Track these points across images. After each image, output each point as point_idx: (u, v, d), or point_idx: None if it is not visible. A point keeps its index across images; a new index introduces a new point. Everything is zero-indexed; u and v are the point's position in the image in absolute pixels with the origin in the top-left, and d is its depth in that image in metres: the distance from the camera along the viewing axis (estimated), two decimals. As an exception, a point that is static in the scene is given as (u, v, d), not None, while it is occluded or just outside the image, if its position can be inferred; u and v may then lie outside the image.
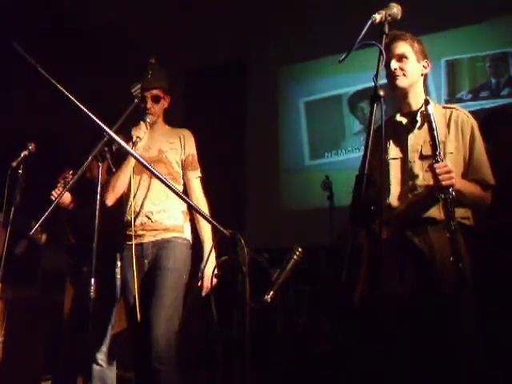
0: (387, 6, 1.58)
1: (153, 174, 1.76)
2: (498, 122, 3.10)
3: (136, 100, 2.27)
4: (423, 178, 1.94)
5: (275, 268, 1.61)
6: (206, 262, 2.35)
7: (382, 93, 1.50)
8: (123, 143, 1.51)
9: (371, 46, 1.53)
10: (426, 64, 2.06)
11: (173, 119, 2.68)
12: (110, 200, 2.42)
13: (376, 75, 1.52)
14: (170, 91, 2.58)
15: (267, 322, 3.67)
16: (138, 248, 2.38)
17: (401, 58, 2.03)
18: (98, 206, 1.90)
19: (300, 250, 1.74)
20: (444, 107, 2.07)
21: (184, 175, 2.53)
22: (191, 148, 2.56)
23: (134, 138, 2.33)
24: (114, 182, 2.41)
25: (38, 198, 2.36)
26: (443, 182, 1.78)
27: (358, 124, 4.62)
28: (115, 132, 1.70)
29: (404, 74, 2.02)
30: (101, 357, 2.88)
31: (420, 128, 2.01)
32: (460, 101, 4.10)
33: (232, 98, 5.16)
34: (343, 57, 1.87)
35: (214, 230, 2.13)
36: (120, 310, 3.06)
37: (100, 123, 1.39)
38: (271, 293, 1.61)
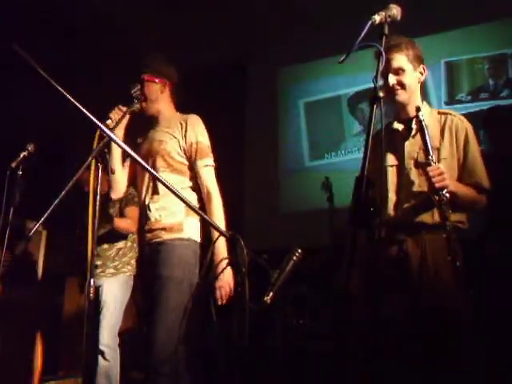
0: (387, 7, 1.58)
1: (147, 170, 1.73)
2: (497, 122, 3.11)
3: (136, 101, 2.24)
4: (419, 185, 1.97)
5: (275, 269, 1.61)
6: (219, 265, 2.07)
7: (381, 94, 1.50)
8: (122, 143, 1.51)
9: (371, 47, 1.54)
10: (422, 70, 2.08)
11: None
12: (113, 194, 2.40)
13: (376, 76, 1.53)
14: (168, 76, 2.40)
15: (267, 322, 3.67)
16: (144, 249, 2.29)
17: (397, 71, 2.03)
18: (96, 214, 1.89)
19: (299, 251, 1.74)
20: (439, 113, 2.10)
21: (192, 166, 2.32)
22: (195, 135, 2.31)
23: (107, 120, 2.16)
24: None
25: (37, 199, 2.35)
26: (437, 184, 1.81)
27: (358, 125, 4.62)
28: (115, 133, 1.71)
29: (403, 88, 2.04)
30: (109, 352, 2.89)
31: (416, 135, 2.03)
32: (459, 102, 4.10)
33: (232, 99, 5.16)
34: (343, 58, 1.87)
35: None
36: (127, 309, 3.08)
37: (99, 124, 1.39)
38: (271, 294, 1.61)
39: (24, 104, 4.02)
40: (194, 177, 2.32)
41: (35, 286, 3.54)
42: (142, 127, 2.43)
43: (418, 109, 1.94)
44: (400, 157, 2.04)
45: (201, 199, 2.32)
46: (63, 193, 2.04)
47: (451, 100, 4.15)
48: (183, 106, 2.45)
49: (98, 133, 2.00)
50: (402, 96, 2.04)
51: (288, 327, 3.75)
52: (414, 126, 2.04)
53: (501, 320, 2.57)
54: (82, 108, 1.37)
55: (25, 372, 3.34)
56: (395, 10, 1.58)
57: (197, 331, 2.31)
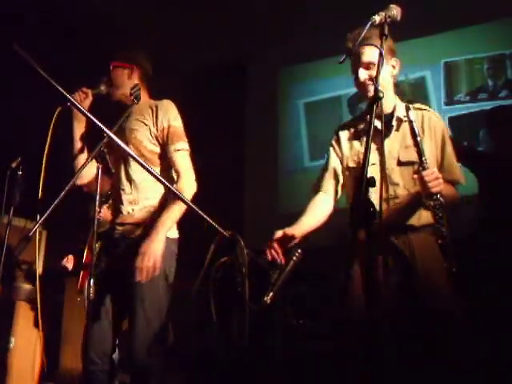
0: (387, 7, 1.59)
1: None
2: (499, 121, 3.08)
3: (135, 101, 2.24)
4: (404, 187, 1.92)
5: (275, 269, 1.61)
6: (151, 235, 2.03)
7: (381, 94, 1.50)
8: (122, 143, 1.51)
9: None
10: (394, 63, 2.00)
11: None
12: (79, 180, 2.26)
13: (376, 77, 1.53)
14: (137, 62, 2.37)
15: (267, 322, 3.67)
16: (110, 243, 2.20)
17: (368, 65, 1.96)
18: (96, 214, 1.90)
19: (299, 251, 1.74)
20: (415, 108, 2.02)
21: (166, 152, 2.21)
22: (167, 119, 2.22)
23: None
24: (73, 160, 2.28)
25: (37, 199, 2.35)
26: (433, 189, 1.75)
27: (358, 125, 4.62)
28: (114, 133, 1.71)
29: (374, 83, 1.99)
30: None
31: (397, 132, 1.98)
32: (458, 102, 4.10)
33: (232, 99, 5.16)
34: (343, 58, 1.88)
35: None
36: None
37: (98, 123, 1.39)
38: (271, 294, 1.62)
39: (24, 104, 4.02)
40: (165, 169, 2.23)
41: (35, 286, 3.54)
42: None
43: (407, 108, 1.89)
44: (379, 155, 1.95)
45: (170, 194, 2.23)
46: (63, 193, 2.05)
47: (450, 100, 4.15)
48: (183, 106, 2.45)
49: (56, 112, 2.02)
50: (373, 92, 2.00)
51: (288, 327, 3.75)
52: (394, 123, 1.98)
53: (492, 318, 2.56)
54: (81, 107, 1.37)
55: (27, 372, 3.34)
56: (395, 11, 1.59)
57: (177, 331, 2.29)
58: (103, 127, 1.40)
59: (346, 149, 2.09)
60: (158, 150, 2.23)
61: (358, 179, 1.43)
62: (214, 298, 2.05)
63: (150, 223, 2.15)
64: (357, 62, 1.99)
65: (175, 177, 2.20)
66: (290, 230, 1.95)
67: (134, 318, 2.07)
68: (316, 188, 2.13)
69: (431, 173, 1.77)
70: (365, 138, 2.01)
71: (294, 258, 1.72)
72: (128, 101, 2.33)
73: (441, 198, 1.77)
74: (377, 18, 1.54)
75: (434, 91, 4.20)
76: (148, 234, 2.09)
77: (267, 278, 1.60)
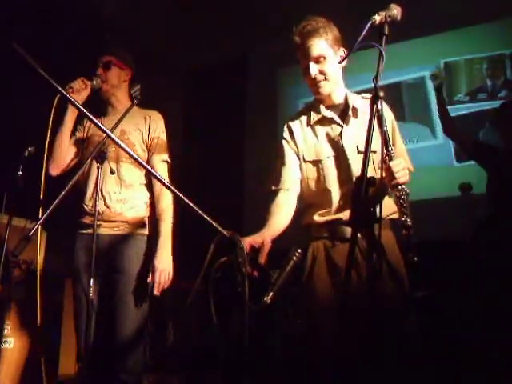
0: (387, 7, 1.59)
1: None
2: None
3: (136, 101, 2.25)
4: None
5: (275, 269, 1.61)
6: (160, 250, 2.12)
7: (381, 94, 1.50)
8: (120, 143, 1.51)
9: (371, 47, 1.53)
10: (342, 53, 1.95)
11: (172, 119, 2.67)
12: (53, 169, 2.28)
13: (376, 76, 1.53)
14: (132, 69, 2.45)
15: (267, 322, 3.67)
16: (99, 240, 2.16)
17: (318, 59, 1.93)
18: (96, 213, 1.90)
19: (299, 251, 1.74)
20: (363, 98, 2.00)
21: (149, 159, 2.32)
22: (158, 131, 2.36)
23: (66, 87, 2.16)
24: (53, 147, 2.27)
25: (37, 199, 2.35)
26: (401, 179, 1.72)
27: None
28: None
29: (326, 78, 1.94)
30: None
31: (349, 123, 1.94)
32: (458, 102, 4.11)
33: (232, 98, 5.17)
34: (343, 58, 1.87)
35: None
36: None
37: (98, 123, 1.39)
38: (271, 294, 1.61)
39: (24, 104, 4.02)
40: (148, 174, 2.30)
41: (34, 287, 3.54)
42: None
43: (379, 97, 1.86)
44: (337, 146, 1.93)
45: (152, 197, 2.31)
46: (63, 193, 2.05)
47: (450, 100, 4.15)
48: (183, 106, 2.46)
49: (56, 98, 2.04)
50: (325, 88, 1.95)
51: (288, 327, 3.75)
52: (351, 112, 1.95)
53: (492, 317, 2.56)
54: (80, 107, 1.37)
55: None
56: (395, 10, 1.58)
57: (177, 331, 2.31)
58: (102, 127, 1.40)
59: (301, 141, 2.01)
60: (146, 156, 2.32)
61: (357, 179, 1.43)
62: (214, 298, 2.05)
63: (137, 222, 2.24)
64: (306, 56, 1.95)
65: (157, 186, 2.27)
66: (258, 239, 1.80)
67: (119, 317, 2.09)
68: (276, 186, 2.00)
69: (399, 163, 1.73)
70: (319, 128, 1.99)
71: (294, 258, 1.72)
72: (116, 102, 2.40)
73: (406, 189, 1.74)
74: (377, 18, 1.54)
75: (433, 91, 4.19)
76: (134, 232, 2.20)
77: (267, 278, 1.59)
